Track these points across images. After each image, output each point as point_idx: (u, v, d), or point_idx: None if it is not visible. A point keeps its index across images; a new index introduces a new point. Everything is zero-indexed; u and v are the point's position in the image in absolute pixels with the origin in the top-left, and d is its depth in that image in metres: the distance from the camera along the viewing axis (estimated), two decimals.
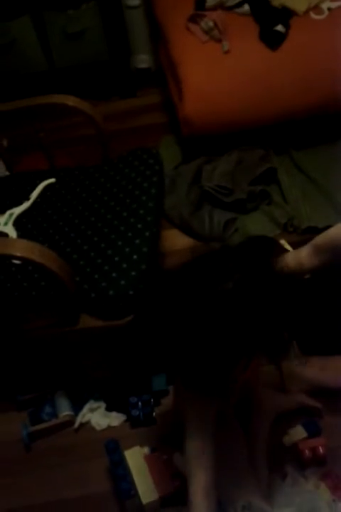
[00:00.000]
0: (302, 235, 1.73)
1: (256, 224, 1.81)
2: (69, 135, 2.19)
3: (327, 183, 1.87)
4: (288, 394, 1.39)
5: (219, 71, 1.85)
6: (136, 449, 1.30)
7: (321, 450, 1.28)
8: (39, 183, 1.56)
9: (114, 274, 1.28)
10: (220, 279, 0.96)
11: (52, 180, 1.56)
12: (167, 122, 2.26)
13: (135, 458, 1.28)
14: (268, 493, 1.21)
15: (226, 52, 1.85)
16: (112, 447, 1.28)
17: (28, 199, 1.51)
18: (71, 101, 1.55)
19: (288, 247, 1.59)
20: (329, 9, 1.91)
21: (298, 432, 1.33)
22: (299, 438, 1.32)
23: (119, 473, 1.25)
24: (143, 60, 2.49)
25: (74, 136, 2.17)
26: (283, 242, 1.70)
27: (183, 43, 1.93)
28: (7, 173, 1.69)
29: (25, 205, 1.50)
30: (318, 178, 1.90)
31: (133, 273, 1.28)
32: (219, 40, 1.86)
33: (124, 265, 1.30)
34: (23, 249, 1.15)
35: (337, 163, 1.92)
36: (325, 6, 1.91)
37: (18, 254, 1.14)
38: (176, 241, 1.84)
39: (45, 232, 1.42)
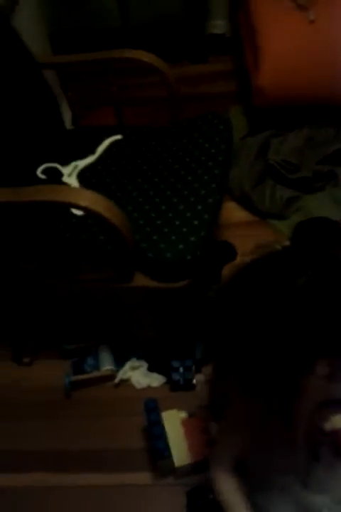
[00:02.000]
0: None
1: (319, 205, 1.75)
2: (138, 95, 2.17)
3: None
4: (336, 382, 1.35)
5: (300, 41, 1.79)
6: (174, 412, 1.31)
7: None
8: (106, 138, 1.56)
9: (173, 237, 1.27)
10: (291, 275, 0.85)
11: (119, 136, 1.56)
12: (236, 91, 2.21)
13: (172, 420, 1.29)
14: (304, 477, 1.20)
15: (312, 21, 1.77)
16: (151, 406, 1.29)
17: (93, 153, 1.52)
18: (147, 57, 1.54)
19: None
20: None
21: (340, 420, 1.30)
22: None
23: (155, 432, 1.25)
24: (218, 26, 2.43)
25: (143, 96, 2.16)
26: None
27: (266, 9, 1.87)
28: (72, 127, 1.70)
29: (90, 158, 1.50)
30: None
31: (192, 238, 1.26)
32: (306, 8, 1.78)
33: (184, 229, 1.28)
34: (89, 199, 1.15)
35: None
36: None
37: (83, 204, 1.14)
38: (232, 214, 1.81)
39: (108, 188, 1.42)
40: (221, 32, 2.45)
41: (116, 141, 1.55)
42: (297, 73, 1.81)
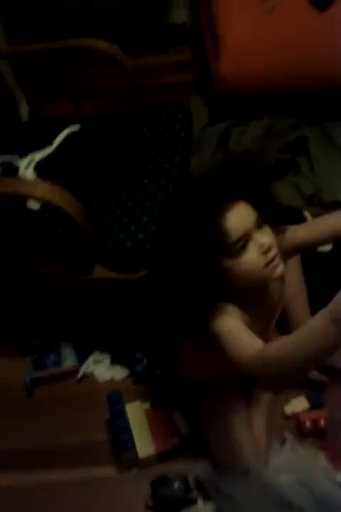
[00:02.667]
0: (326, 209, 1.68)
1: (280, 193, 1.76)
2: (97, 87, 2.14)
3: None
4: None
5: (260, 30, 1.79)
6: (137, 403, 1.30)
7: (322, 423, 1.26)
8: (63, 129, 1.52)
9: (132, 227, 1.25)
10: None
11: (77, 126, 1.53)
12: (196, 82, 2.21)
13: (135, 412, 1.28)
14: (266, 458, 1.21)
15: (271, 10, 1.77)
16: (114, 399, 1.28)
17: (50, 144, 1.48)
18: (104, 45, 1.51)
19: (309, 218, 1.55)
20: None
21: (301, 403, 1.32)
22: (301, 409, 1.31)
23: (119, 425, 1.24)
24: (178, 15, 2.42)
25: (102, 88, 2.12)
26: (306, 214, 1.66)
27: None
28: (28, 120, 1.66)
29: (48, 150, 1.47)
30: None
31: (152, 227, 1.25)
32: None
33: (144, 219, 1.27)
34: (44, 190, 1.13)
35: None
36: None
37: (38, 195, 1.12)
38: None
39: (66, 180, 1.38)
40: (181, 22, 2.44)
41: (74, 132, 1.52)
42: (256, 62, 1.81)
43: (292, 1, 1.82)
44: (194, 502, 1.20)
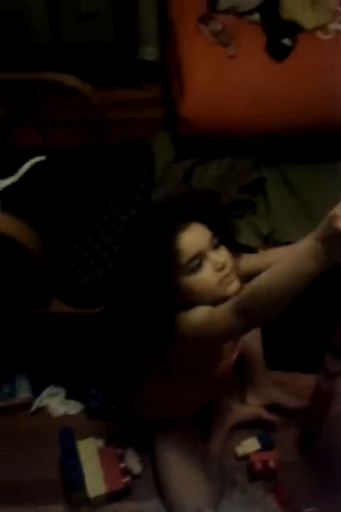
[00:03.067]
0: None
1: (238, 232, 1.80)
2: (66, 116, 2.15)
3: (312, 201, 1.88)
4: (247, 405, 1.39)
5: (222, 75, 1.85)
6: (91, 440, 1.29)
7: (272, 464, 1.28)
8: (29, 159, 1.53)
9: (91, 263, 1.26)
10: None
11: (42, 158, 1.54)
12: (165, 118, 2.25)
13: (88, 449, 1.27)
14: (217, 500, 1.21)
15: (232, 57, 1.84)
16: (66, 436, 1.26)
17: (14, 174, 1.49)
18: (71, 81, 1.53)
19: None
20: (336, 31, 1.92)
21: (252, 444, 1.33)
22: (252, 450, 1.32)
23: (69, 463, 1.23)
24: (149, 53, 2.48)
25: (71, 117, 2.13)
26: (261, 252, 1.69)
27: (190, 42, 1.92)
28: None
29: (11, 179, 1.47)
30: (304, 194, 1.91)
31: (110, 263, 1.26)
32: (226, 45, 1.85)
33: (103, 254, 1.28)
34: (2, 222, 1.12)
35: (325, 182, 1.93)
36: (332, 27, 1.93)
37: None
38: None
39: (27, 211, 1.38)
40: (152, 59, 2.49)
41: (39, 163, 1.53)
42: (218, 105, 1.87)
43: (253, 49, 1.88)
44: None
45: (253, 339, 1.37)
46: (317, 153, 2.00)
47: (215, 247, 1.04)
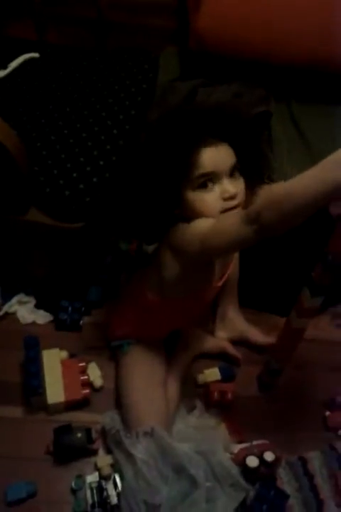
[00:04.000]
0: None
1: None
2: (68, 13, 2.01)
3: (318, 145, 1.80)
4: (214, 337, 1.41)
5: None
6: (55, 350, 1.30)
7: (229, 395, 1.31)
8: (21, 53, 1.44)
9: (74, 175, 1.22)
10: None
11: (36, 54, 1.45)
12: (175, 30, 2.11)
13: (51, 359, 1.28)
14: (172, 422, 1.25)
15: None
16: (31, 343, 1.28)
17: (5, 68, 1.40)
18: None
19: None
20: None
21: (213, 374, 1.37)
22: (212, 379, 1.35)
23: (31, 369, 1.25)
24: None
25: (73, 14, 2.00)
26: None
27: None
28: None
29: (1, 73, 1.39)
30: (310, 137, 1.83)
31: (94, 179, 1.22)
32: None
33: (88, 168, 1.23)
34: None
35: (334, 127, 1.85)
36: None
37: None
38: None
39: (14, 109, 1.33)
40: None
41: (32, 59, 1.44)
42: (237, 23, 1.73)
43: None
44: (94, 452, 1.23)
45: (230, 273, 1.36)
46: (331, 96, 1.90)
47: (232, 175, 1.02)
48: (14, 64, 1.41)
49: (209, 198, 1.01)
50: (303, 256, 1.28)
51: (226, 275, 1.24)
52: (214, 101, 1.15)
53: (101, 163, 1.24)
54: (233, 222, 0.93)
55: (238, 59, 1.82)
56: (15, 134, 1.10)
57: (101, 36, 1.51)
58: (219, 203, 1.00)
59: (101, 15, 1.45)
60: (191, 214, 1.02)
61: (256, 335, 1.41)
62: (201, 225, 1.00)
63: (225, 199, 1.00)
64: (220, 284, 1.22)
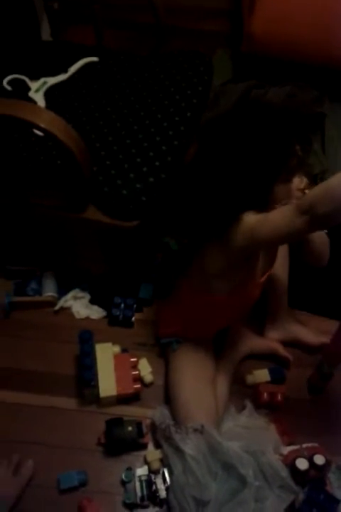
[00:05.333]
0: None
1: None
2: (125, 17, 2.06)
3: None
4: (264, 338, 1.41)
5: None
6: (108, 345, 1.34)
7: (279, 397, 1.31)
8: (81, 58, 1.49)
9: (131, 175, 1.25)
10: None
11: (95, 58, 1.49)
12: (228, 33, 2.13)
13: (104, 353, 1.32)
14: (221, 420, 1.26)
15: None
16: (85, 337, 1.32)
17: (65, 71, 1.46)
18: None
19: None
20: None
21: (263, 375, 1.36)
22: (262, 380, 1.35)
23: (86, 362, 1.28)
24: None
25: (129, 19, 2.05)
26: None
27: None
28: (50, 39, 1.61)
29: (61, 77, 1.44)
30: None
31: (150, 179, 1.25)
32: None
33: (144, 169, 1.26)
34: (48, 120, 1.11)
35: None
36: None
37: (42, 125, 1.11)
38: None
39: (74, 111, 1.38)
40: None
41: (91, 63, 1.49)
42: (291, 25, 1.74)
43: None
44: (144, 446, 1.26)
45: (280, 274, 1.37)
46: None
47: None
48: (74, 68, 1.46)
49: (293, 190, 1.05)
50: None
51: (270, 271, 1.25)
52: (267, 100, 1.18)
53: (157, 163, 1.27)
54: (285, 214, 0.96)
55: (291, 61, 1.83)
56: (81, 139, 1.14)
57: (158, 40, 1.54)
58: (297, 194, 1.05)
59: (158, 20, 1.48)
60: (271, 207, 1.04)
61: (308, 336, 1.40)
62: (255, 217, 1.03)
63: (300, 190, 1.04)
64: (263, 280, 1.23)
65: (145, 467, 1.23)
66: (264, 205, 1.05)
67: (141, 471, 1.22)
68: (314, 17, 1.74)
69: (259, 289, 1.25)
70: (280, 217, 0.98)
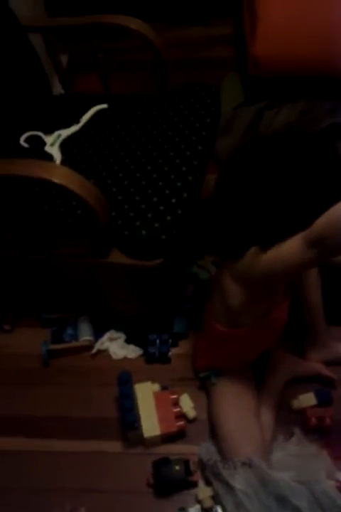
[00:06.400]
0: None
1: None
2: (130, 58, 2.12)
3: None
4: (306, 360, 1.38)
5: (297, 12, 1.73)
6: (147, 384, 1.34)
7: (328, 420, 1.27)
8: (91, 106, 1.53)
9: (149, 215, 1.26)
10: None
11: (105, 105, 1.53)
12: (234, 57, 2.15)
13: (144, 392, 1.32)
14: (269, 451, 1.23)
15: None
16: (124, 379, 1.32)
17: (77, 122, 1.50)
18: (134, 24, 1.49)
19: None
20: None
21: (309, 399, 1.33)
22: (308, 404, 1.32)
23: (126, 405, 1.29)
24: None
25: (135, 60, 2.10)
26: None
27: None
28: (62, 92, 1.67)
29: (74, 128, 1.49)
30: None
31: (168, 217, 1.26)
32: None
33: (161, 207, 1.27)
34: (62, 176, 1.15)
35: None
36: None
37: (57, 181, 1.14)
38: None
39: (89, 160, 1.41)
40: None
41: (101, 110, 1.53)
42: (293, 43, 1.75)
43: None
44: (194, 484, 1.24)
45: (312, 293, 1.34)
46: None
47: None
48: (85, 117, 1.51)
49: None
50: None
51: (289, 296, 1.22)
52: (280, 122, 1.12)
53: (174, 200, 1.28)
54: (295, 249, 0.93)
55: (299, 77, 1.82)
56: (96, 189, 1.17)
57: (162, 78, 1.57)
58: None
59: (159, 58, 1.51)
60: None
61: None
62: (270, 252, 1.00)
63: None
64: (287, 302, 1.21)
65: (198, 506, 1.22)
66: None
67: (194, 510, 1.22)
68: (316, 29, 1.74)
69: (285, 311, 1.23)
70: (290, 252, 0.95)
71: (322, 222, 0.88)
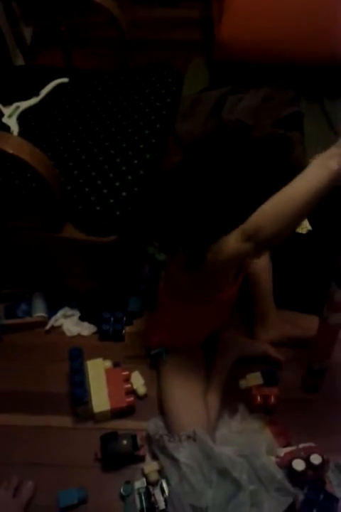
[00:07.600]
0: None
1: None
2: (94, 34, 2.09)
3: None
4: (255, 341, 1.41)
5: None
6: (99, 360, 1.34)
7: (273, 399, 1.30)
8: (52, 80, 1.51)
9: (104, 191, 1.26)
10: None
11: (65, 79, 1.52)
12: (202, 42, 2.15)
13: (96, 368, 1.32)
14: (214, 428, 1.26)
15: None
16: (75, 354, 1.33)
17: (37, 95, 1.48)
18: None
19: None
20: None
21: (255, 378, 1.35)
22: (255, 384, 1.34)
23: (77, 379, 1.29)
24: None
25: (100, 36, 2.07)
26: None
27: None
28: (23, 64, 1.64)
29: (33, 100, 1.47)
30: None
31: (123, 193, 1.26)
32: None
33: (117, 184, 1.27)
34: (14, 146, 1.13)
35: None
36: None
37: (9, 151, 1.12)
38: None
39: (47, 133, 1.40)
40: None
41: (61, 84, 1.51)
42: (259, 30, 1.76)
43: None
44: (141, 459, 1.26)
45: (263, 277, 1.37)
46: None
47: None
48: (45, 90, 1.49)
49: None
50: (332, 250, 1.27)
51: (245, 273, 1.25)
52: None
53: (130, 177, 1.28)
54: (233, 242, 0.97)
55: (265, 64, 1.84)
56: (49, 160, 1.15)
57: (125, 55, 1.56)
58: None
59: (123, 35, 1.50)
60: None
61: (298, 331, 1.40)
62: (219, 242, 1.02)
63: None
64: (238, 284, 1.23)
65: (144, 480, 1.23)
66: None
67: (139, 484, 1.22)
68: (283, 16, 1.75)
69: (235, 290, 1.25)
70: (230, 245, 0.98)
71: (256, 216, 0.93)
